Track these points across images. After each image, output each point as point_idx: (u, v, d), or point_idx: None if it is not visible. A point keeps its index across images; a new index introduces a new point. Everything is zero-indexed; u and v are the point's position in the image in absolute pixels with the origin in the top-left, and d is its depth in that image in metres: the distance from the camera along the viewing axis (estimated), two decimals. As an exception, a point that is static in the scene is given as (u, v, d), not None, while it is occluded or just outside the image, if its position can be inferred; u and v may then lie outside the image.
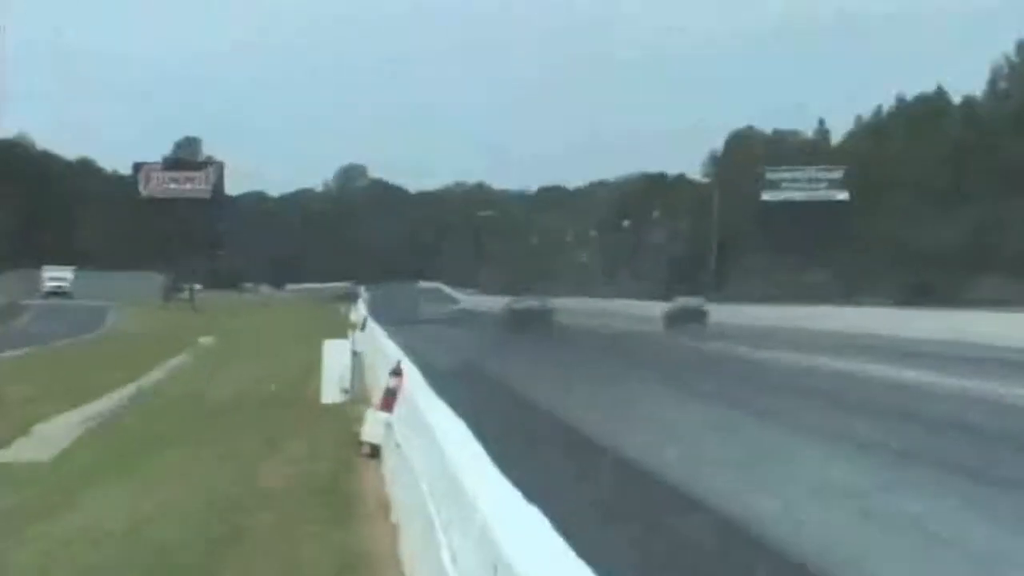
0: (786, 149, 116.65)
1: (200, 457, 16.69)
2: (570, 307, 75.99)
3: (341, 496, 13.70)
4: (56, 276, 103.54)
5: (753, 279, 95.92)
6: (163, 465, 16.22)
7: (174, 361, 37.36)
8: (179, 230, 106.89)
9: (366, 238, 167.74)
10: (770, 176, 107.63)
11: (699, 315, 66.66)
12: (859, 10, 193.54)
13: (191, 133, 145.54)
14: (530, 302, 72.53)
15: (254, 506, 13.09)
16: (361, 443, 15.55)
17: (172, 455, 16.97)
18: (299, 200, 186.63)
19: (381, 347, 23.25)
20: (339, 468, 15.40)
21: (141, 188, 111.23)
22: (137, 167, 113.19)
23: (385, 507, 12.21)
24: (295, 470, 15.56)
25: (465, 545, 5.88)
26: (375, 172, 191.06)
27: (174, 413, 22.68)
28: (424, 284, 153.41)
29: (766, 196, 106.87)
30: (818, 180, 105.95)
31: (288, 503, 13.37)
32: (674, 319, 65.74)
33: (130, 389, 27.87)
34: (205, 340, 48.44)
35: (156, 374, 32.71)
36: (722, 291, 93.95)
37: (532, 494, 5.61)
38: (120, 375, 30.37)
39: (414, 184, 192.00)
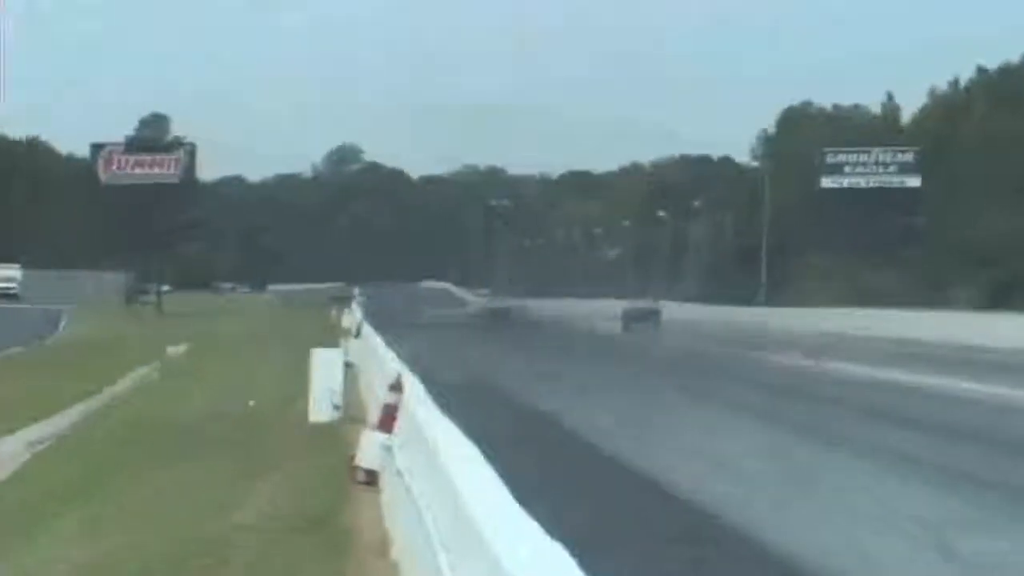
0: (849, 128, 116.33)
1: (165, 488, 16.64)
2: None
3: (332, 531, 13.64)
4: (2, 276, 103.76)
5: (811, 278, 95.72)
6: (122, 495, 16.16)
7: (139, 372, 37.44)
8: (144, 221, 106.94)
9: (361, 231, 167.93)
10: (830, 159, 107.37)
11: (653, 315, 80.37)
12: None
13: (158, 109, 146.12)
14: (507, 301, 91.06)
15: (228, 545, 13.00)
16: (355, 469, 15.47)
17: (132, 483, 16.92)
18: (283, 186, 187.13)
19: (378, 357, 23.22)
20: (330, 498, 15.34)
21: (100, 173, 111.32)
22: (96, 149, 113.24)
23: (383, 543, 12.16)
24: (278, 501, 15.50)
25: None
26: (371, 154, 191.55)
27: (137, 434, 22.66)
28: (429, 284, 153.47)
29: (826, 182, 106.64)
30: (886, 164, 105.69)
31: (269, 540, 13.29)
32: (631, 319, 79.08)
33: (88, 406, 27.91)
34: (174, 349, 48.51)
35: (117, 389, 32.77)
36: (774, 291, 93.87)
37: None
38: (77, 390, 30.41)
39: (417, 168, 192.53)
